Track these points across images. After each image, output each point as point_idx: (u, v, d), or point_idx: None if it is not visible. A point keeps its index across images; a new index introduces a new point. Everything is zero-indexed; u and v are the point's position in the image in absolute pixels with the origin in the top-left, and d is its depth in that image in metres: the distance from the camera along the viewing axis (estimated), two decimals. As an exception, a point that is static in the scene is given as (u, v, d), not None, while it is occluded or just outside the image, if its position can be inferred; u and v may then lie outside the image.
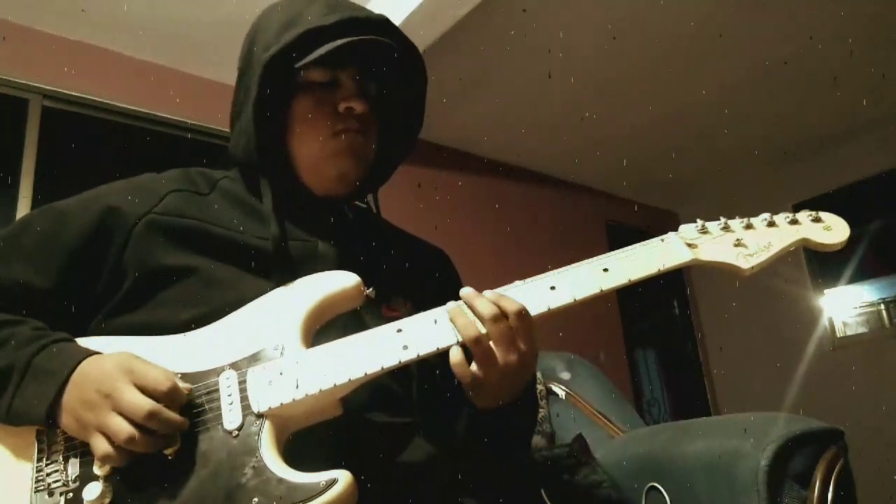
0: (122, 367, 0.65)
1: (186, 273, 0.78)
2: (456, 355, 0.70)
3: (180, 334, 0.75)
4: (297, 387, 0.67)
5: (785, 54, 3.07)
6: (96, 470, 0.64)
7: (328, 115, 0.86)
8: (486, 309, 0.69)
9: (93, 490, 0.63)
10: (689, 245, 0.76)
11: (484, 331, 0.69)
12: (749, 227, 0.78)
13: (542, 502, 1.30)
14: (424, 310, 0.73)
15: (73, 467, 0.66)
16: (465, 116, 3.33)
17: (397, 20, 2.43)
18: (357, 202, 1.00)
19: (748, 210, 0.81)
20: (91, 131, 2.51)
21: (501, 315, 0.69)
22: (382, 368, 0.69)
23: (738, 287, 4.20)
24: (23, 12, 2.37)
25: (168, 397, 0.64)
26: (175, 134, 2.70)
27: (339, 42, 0.81)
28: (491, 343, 0.69)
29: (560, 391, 1.80)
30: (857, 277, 4.04)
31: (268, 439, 0.65)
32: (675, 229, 0.79)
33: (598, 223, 4.39)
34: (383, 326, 0.71)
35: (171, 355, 0.72)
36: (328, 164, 0.87)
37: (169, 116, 2.67)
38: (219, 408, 0.67)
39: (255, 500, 0.61)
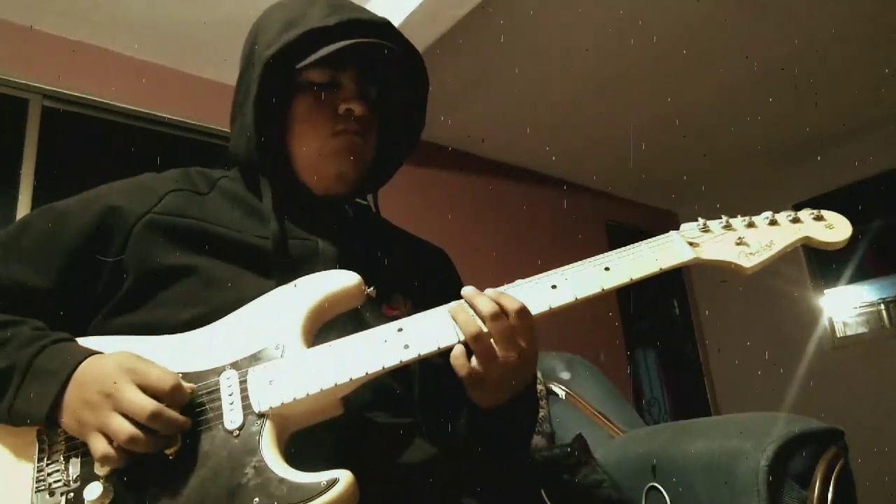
0: (124, 367, 0.65)
1: (186, 273, 0.78)
2: (457, 352, 0.70)
3: (181, 334, 0.74)
4: (299, 386, 0.67)
5: (785, 54, 3.07)
6: (97, 470, 0.64)
7: (328, 116, 0.86)
8: (487, 307, 0.69)
9: (94, 490, 0.62)
10: (691, 244, 0.76)
11: (485, 329, 0.69)
12: (751, 225, 0.77)
13: (542, 502, 1.30)
14: (425, 309, 0.73)
15: (74, 467, 0.66)
16: (465, 116, 3.33)
17: (397, 20, 2.43)
18: (358, 199, 1.00)
19: (748, 210, 0.81)
20: (91, 131, 2.51)
21: (502, 313, 0.69)
22: (384, 368, 0.68)
23: (738, 287, 4.21)
24: (23, 12, 2.36)
25: (170, 397, 0.64)
26: (175, 134, 2.70)
27: (341, 44, 0.81)
28: (491, 340, 0.69)
29: (560, 391, 1.80)
30: (857, 277, 4.04)
31: (269, 439, 0.65)
32: (676, 229, 0.78)
33: (598, 223, 4.39)
34: (384, 325, 0.71)
35: (171, 355, 0.71)
36: (327, 164, 0.87)
37: (169, 116, 2.67)
38: (220, 407, 0.67)
39: (256, 499, 0.61)
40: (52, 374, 0.67)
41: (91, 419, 0.64)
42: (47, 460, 0.67)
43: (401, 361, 0.69)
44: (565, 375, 1.84)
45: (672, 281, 4.83)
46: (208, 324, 0.75)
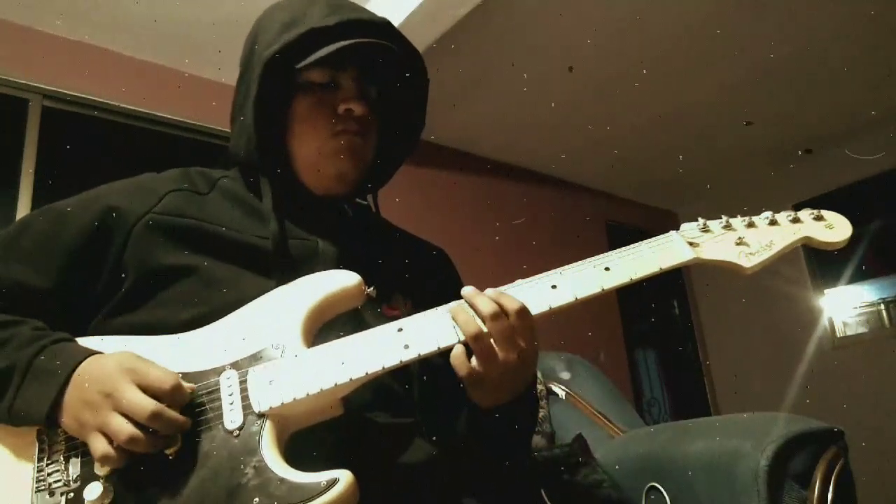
0: (124, 367, 0.65)
1: (186, 273, 0.78)
2: (457, 352, 0.70)
3: (181, 334, 0.74)
4: (298, 386, 0.67)
5: (785, 54, 3.07)
6: (97, 470, 0.64)
7: (328, 116, 0.86)
8: (487, 306, 0.69)
9: (94, 490, 0.62)
10: (691, 244, 0.76)
11: (485, 329, 0.69)
12: (751, 225, 0.78)
13: (542, 502, 1.30)
14: (425, 309, 0.73)
15: (74, 467, 0.66)
16: (465, 116, 3.34)
17: (397, 20, 2.43)
18: (358, 199, 1.00)
19: (748, 210, 0.81)
20: (91, 131, 2.52)
21: (502, 313, 0.69)
22: (384, 368, 0.68)
23: (738, 287, 4.21)
24: (23, 12, 2.37)
25: (170, 397, 0.64)
26: (175, 134, 2.70)
27: (341, 44, 0.81)
28: (491, 340, 0.69)
29: (560, 391, 1.80)
30: (857, 277, 4.04)
31: (269, 439, 0.65)
32: (676, 229, 0.78)
33: (598, 223, 4.39)
34: (384, 325, 0.71)
35: (171, 355, 0.71)
36: (327, 164, 0.87)
37: (169, 116, 2.67)
38: (220, 407, 0.67)
39: (256, 499, 0.61)
40: (52, 374, 0.67)
41: (91, 419, 0.64)
42: (47, 460, 0.67)
43: (401, 361, 0.69)
44: (565, 375, 1.84)
45: (672, 281, 4.83)
46: (208, 324, 0.75)
